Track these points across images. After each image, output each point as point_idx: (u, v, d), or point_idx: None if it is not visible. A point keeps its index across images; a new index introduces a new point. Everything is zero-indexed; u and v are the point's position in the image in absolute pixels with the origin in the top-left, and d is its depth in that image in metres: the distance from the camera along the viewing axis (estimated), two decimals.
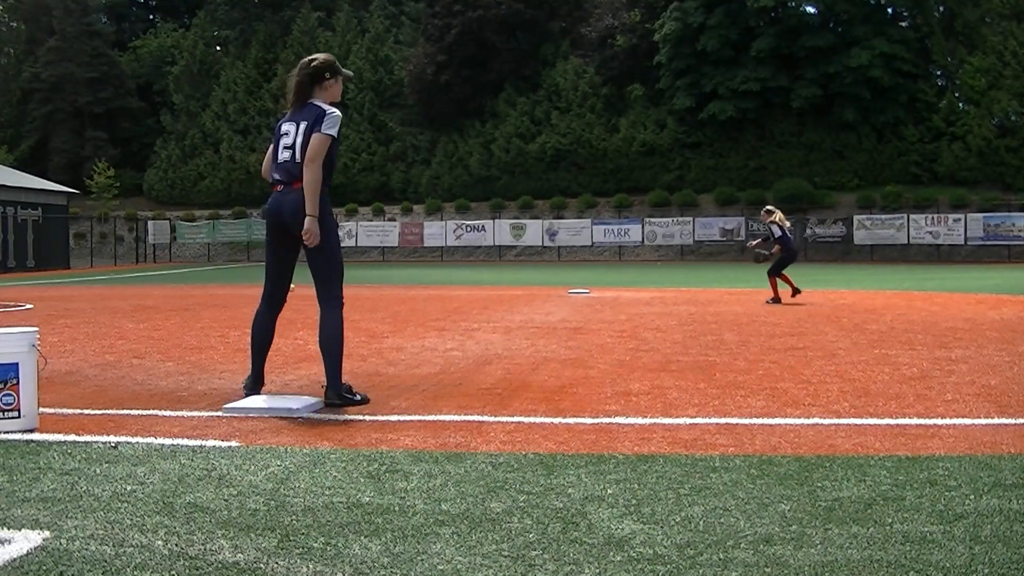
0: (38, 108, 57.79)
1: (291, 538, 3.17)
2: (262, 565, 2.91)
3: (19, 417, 4.91)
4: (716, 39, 45.06)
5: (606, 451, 4.45)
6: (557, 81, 49.85)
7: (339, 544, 3.11)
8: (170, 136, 56.31)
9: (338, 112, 5.62)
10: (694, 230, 43.86)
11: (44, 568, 2.87)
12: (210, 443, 4.66)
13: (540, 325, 10.94)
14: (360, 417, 5.33)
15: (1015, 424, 5.06)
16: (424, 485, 3.84)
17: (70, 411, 5.55)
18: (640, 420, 5.20)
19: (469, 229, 46.74)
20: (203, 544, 3.11)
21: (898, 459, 4.22)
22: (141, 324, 11.41)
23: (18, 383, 4.90)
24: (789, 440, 4.68)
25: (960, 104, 45.39)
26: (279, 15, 57.78)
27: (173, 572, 2.85)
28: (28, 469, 4.12)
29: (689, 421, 5.17)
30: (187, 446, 4.60)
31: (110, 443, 4.65)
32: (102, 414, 5.48)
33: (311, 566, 2.90)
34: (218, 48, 59.85)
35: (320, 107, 5.58)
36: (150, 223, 50.45)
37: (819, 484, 3.80)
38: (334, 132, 5.53)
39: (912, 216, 40.93)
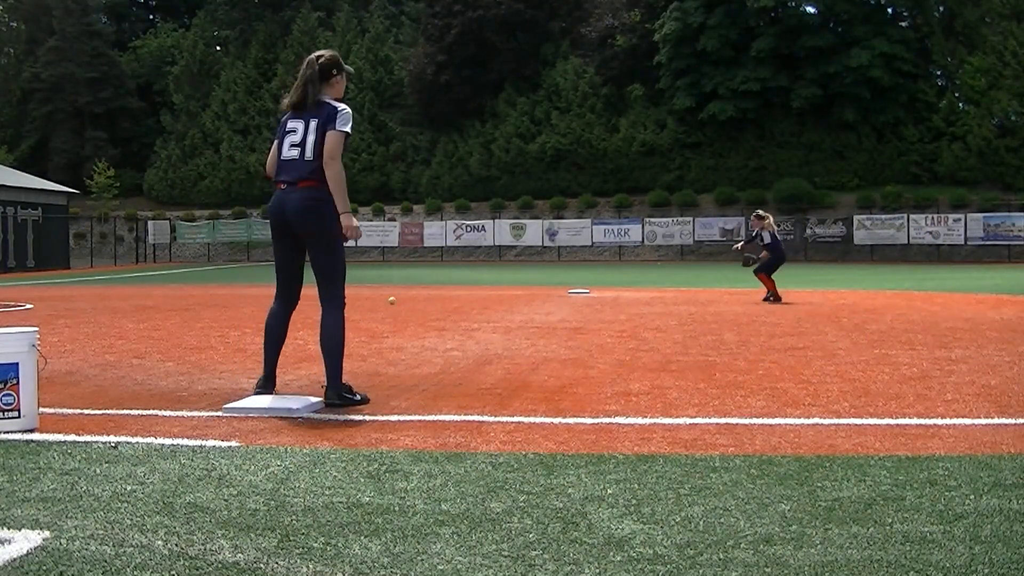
0: (38, 108, 57.79)
1: (291, 538, 3.17)
2: (262, 565, 2.91)
3: (19, 417, 4.91)
4: (716, 39, 45.07)
5: (606, 451, 4.45)
6: (557, 81, 49.86)
7: (339, 544, 3.11)
8: (170, 136, 56.32)
9: (349, 108, 5.61)
10: (694, 230, 43.87)
11: (44, 568, 2.87)
12: (210, 443, 4.66)
13: (540, 325, 10.94)
14: (360, 417, 5.33)
15: (1015, 424, 5.06)
16: (424, 485, 3.84)
17: (70, 411, 5.55)
18: (640, 420, 5.20)
19: (469, 229, 46.75)
20: (203, 544, 3.11)
21: (898, 459, 4.22)
22: (141, 324, 11.41)
23: (18, 383, 4.90)
24: (789, 440, 4.68)
25: (960, 104, 45.41)
26: (279, 15, 57.78)
27: (173, 572, 2.85)
28: (28, 469, 4.12)
29: (689, 421, 5.17)
30: (187, 446, 4.60)
31: (110, 443, 4.65)
32: (102, 414, 5.47)
33: (311, 566, 2.90)
34: (218, 48, 59.87)
35: (331, 104, 5.56)
36: (150, 223, 50.46)
37: (819, 484, 3.80)
38: (348, 128, 5.53)
39: (912, 216, 40.94)
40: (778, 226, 15.67)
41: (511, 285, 21.30)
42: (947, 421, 5.12)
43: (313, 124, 5.52)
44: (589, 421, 5.19)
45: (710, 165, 47.29)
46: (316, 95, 5.56)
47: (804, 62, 44.96)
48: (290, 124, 5.62)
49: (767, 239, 15.00)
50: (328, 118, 5.50)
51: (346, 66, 5.81)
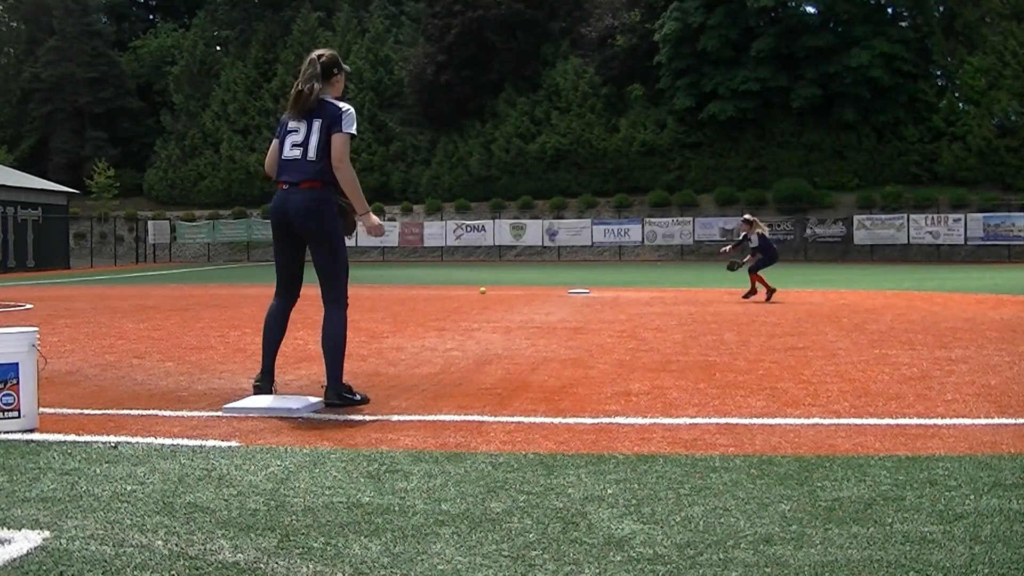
0: (38, 108, 57.81)
1: (291, 538, 3.17)
2: (262, 565, 2.91)
3: (19, 417, 4.91)
4: (716, 39, 45.08)
5: (606, 451, 4.45)
6: (557, 81, 49.87)
7: (339, 544, 3.11)
8: (170, 136, 56.34)
9: (352, 109, 5.61)
10: (694, 230, 43.87)
11: (44, 568, 2.87)
12: (210, 443, 4.66)
13: (540, 325, 10.94)
14: (360, 417, 5.33)
15: (1015, 424, 5.06)
16: (424, 485, 3.84)
17: (70, 411, 5.55)
18: (640, 420, 5.20)
19: (469, 229, 46.76)
20: (203, 544, 3.11)
21: (898, 459, 4.22)
22: (141, 324, 11.41)
23: (18, 383, 4.90)
24: (789, 440, 4.68)
25: (960, 104, 45.42)
26: (279, 15, 57.79)
27: (173, 572, 2.85)
28: (28, 469, 4.12)
29: (689, 421, 5.17)
30: (187, 446, 4.60)
31: (110, 443, 4.65)
32: (102, 414, 5.47)
33: (311, 566, 2.90)
34: (218, 48, 59.87)
35: (335, 105, 5.54)
36: (150, 223, 50.47)
37: (819, 484, 3.80)
38: (354, 130, 5.53)
39: (912, 216, 40.94)
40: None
41: (511, 285, 21.30)
42: (947, 421, 5.12)
43: (316, 125, 5.50)
44: (589, 421, 5.19)
45: (710, 165, 47.30)
46: (319, 94, 5.56)
47: (804, 62, 44.97)
48: (291, 124, 5.60)
49: (755, 242, 15.09)
50: (333, 120, 5.48)
51: (344, 66, 5.81)
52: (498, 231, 46.29)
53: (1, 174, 38.61)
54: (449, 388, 6.35)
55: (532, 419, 5.25)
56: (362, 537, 3.18)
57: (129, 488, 3.81)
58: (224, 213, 51.54)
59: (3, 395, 4.87)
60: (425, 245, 47.29)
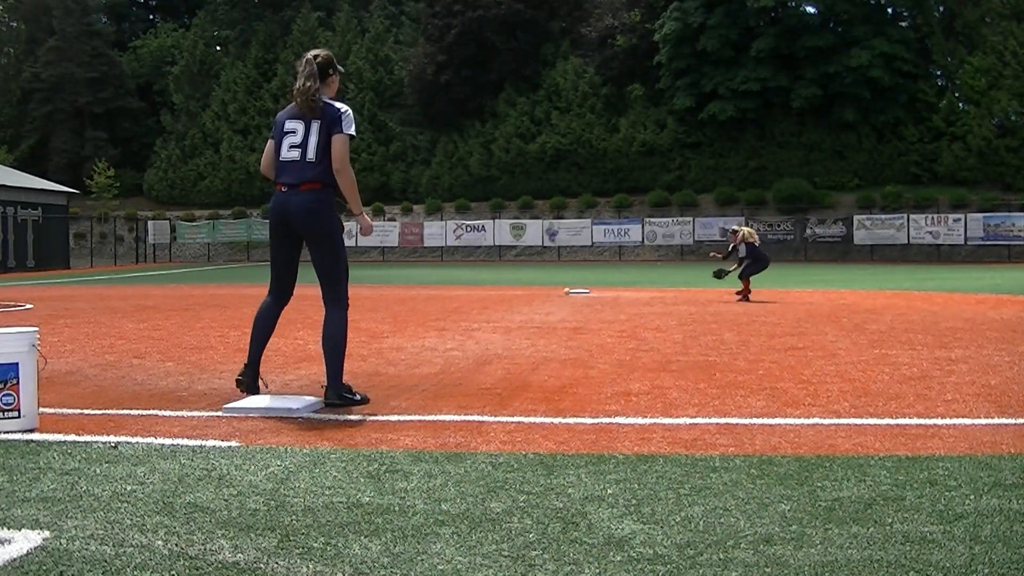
0: (38, 108, 57.82)
1: (291, 538, 3.17)
2: (262, 565, 2.91)
3: (19, 417, 4.91)
4: (716, 39, 45.09)
5: (606, 451, 4.45)
6: (557, 81, 49.88)
7: (339, 544, 3.11)
8: (170, 136, 56.34)
9: (350, 109, 5.60)
10: (694, 230, 43.87)
11: (44, 568, 2.87)
12: (210, 443, 4.66)
13: (540, 325, 10.94)
14: (360, 417, 5.33)
15: (1015, 424, 5.06)
16: (424, 485, 3.84)
17: (70, 411, 5.55)
18: (640, 420, 5.20)
19: (469, 229, 46.76)
20: (203, 544, 3.11)
21: (898, 459, 4.22)
22: (141, 324, 11.41)
23: (18, 383, 4.90)
24: (789, 440, 4.68)
25: (960, 104, 45.43)
26: (279, 15, 57.80)
27: (173, 572, 2.85)
28: (28, 469, 4.12)
29: (689, 421, 5.17)
30: (187, 446, 4.60)
31: (110, 443, 4.64)
32: (102, 414, 5.47)
33: (311, 566, 2.90)
34: (218, 48, 59.88)
35: (333, 106, 5.53)
36: (150, 223, 50.48)
37: (819, 484, 3.80)
38: (353, 131, 5.53)
39: (912, 216, 40.95)
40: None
41: (511, 285, 21.30)
42: (947, 421, 5.12)
43: (315, 126, 5.49)
44: (589, 421, 5.19)
45: (710, 165, 47.30)
46: (318, 93, 5.56)
47: (804, 62, 44.98)
48: (289, 124, 5.58)
49: (743, 251, 15.17)
50: (332, 121, 5.48)
51: (339, 67, 5.79)
52: (498, 231, 46.30)
53: (1, 174, 38.61)
54: (449, 388, 6.35)
55: (532, 419, 5.25)
56: (362, 537, 3.18)
57: (129, 488, 3.81)
58: (224, 213, 51.55)
59: (3, 395, 4.87)
60: (425, 245, 47.30)
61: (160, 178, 55.47)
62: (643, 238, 44.49)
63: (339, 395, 5.58)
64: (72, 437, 4.77)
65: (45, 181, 42.53)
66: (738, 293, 15.08)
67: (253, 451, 4.50)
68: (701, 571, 2.85)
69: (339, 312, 5.64)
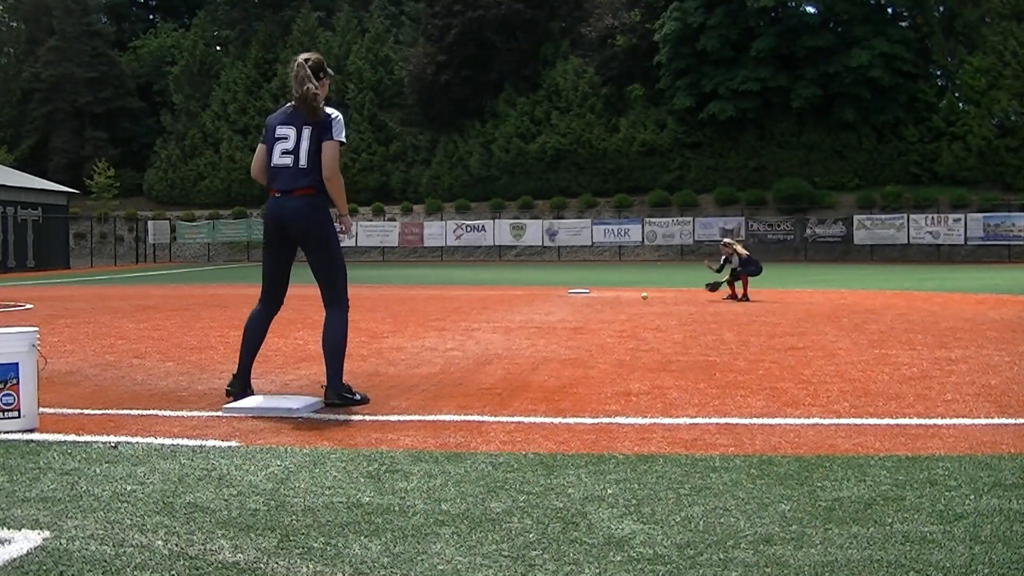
0: (38, 108, 57.81)
1: (291, 538, 3.17)
2: (262, 565, 2.91)
3: (19, 417, 4.91)
4: (716, 39, 45.08)
5: (606, 451, 4.45)
6: (557, 81, 49.88)
7: (339, 544, 3.11)
8: (170, 136, 56.34)
9: (341, 115, 5.60)
10: (694, 230, 43.87)
11: (44, 568, 2.87)
12: (210, 443, 4.66)
13: (540, 325, 10.94)
14: (360, 417, 5.33)
15: (1015, 424, 5.06)
16: (424, 485, 3.84)
17: (70, 411, 5.55)
18: (640, 420, 5.20)
19: (469, 229, 46.76)
20: (203, 544, 3.11)
21: (898, 459, 4.22)
22: (141, 324, 11.41)
23: (18, 383, 4.90)
24: (789, 440, 4.68)
25: (960, 104, 45.43)
26: (279, 15, 57.80)
27: (173, 572, 2.85)
28: (28, 469, 4.12)
29: (689, 421, 5.17)
30: (187, 446, 4.60)
31: (110, 443, 4.65)
32: (102, 414, 5.47)
33: (311, 566, 2.90)
34: (218, 48, 59.87)
35: (324, 111, 5.52)
36: (150, 223, 50.48)
37: (819, 484, 3.80)
38: (343, 137, 5.53)
39: (912, 216, 40.95)
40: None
41: (511, 285, 21.30)
42: (947, 421, 5.12)
43: (307, 132, 5.48)
44: (589, 421, 5.19)
45: (710, 165, 47.30)
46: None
47: (804, 62, 44.97)
48: (280, 130, 5.55)
49: (736, 263, 15.21)
50: (324, 127, 5.47)
51: (328, 70, 5.77)
52: (498, 231, 46.29)
53: (1, 174, 38.62)
54: (449, 388, 6.35)
55: (532, 419, 5.25)
56: (362, 537, 3.18)
57: (129, 488, 3.81)
58: (224, 213, 51.55)
59: (3, 395, 4.87)
60: (425, 245, 47.30)
61: (160, 178, 55.48)
62: (643, 238, 44.49)
63: (339, 395, 5.58)
64: (72, 437, 4.78)
65: (45, 181, 42.53)
66: (730, 296, 15.07)
67: (253, 451, 4.50)
68: (701, 571, 2.85)
69: (339, 313, 5.64)
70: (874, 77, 43.31)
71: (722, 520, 3.35)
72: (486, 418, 5.27)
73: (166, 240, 50.38)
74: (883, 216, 41.74)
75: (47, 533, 3.19)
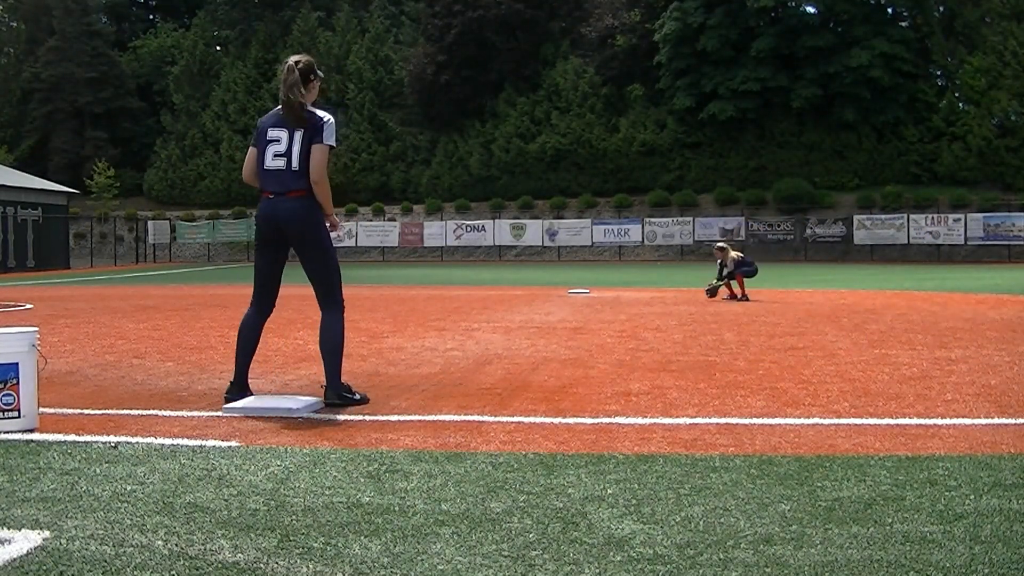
0: (38, 108, 57.81)
1: (291, 538, 3.17)
2: (262, 565, 2.91)
3: (19, 417, 4.91)
4: (716, 39, 45.08)
5: (606, 451, 4.45)
6: (557, 81, 49.87)
7: (339, 544, 3.11)
8: (170, 136, 56.34)
9: (332, 118, 5.59)
10: (694, 230, 43.86)
11: (44, 568, 2.87)
12: (210, 443, 4.66)
13: (540, 325, 10.94)
14: (360, 417, 5.33)
15: (1015, 424, 5.06)
16: (424, 485, 3.84)
17: (70, 411, 5.55)
18: (640, 420, 5.20)
19: (469, 229, 46.75)
20: (203, 544, 3.11)
21: (898, 459, 4.22)
22: (141, 324, 11.41)
23: (18, 383, 4.90)
24: (789, 440, 4.68)
25: (960, 104, 45.42)
26: (279, 15, 57.80)
27: (173, 572, 2.85)
28: (28, 469, 4.12)
29: (689, 421, 5.17)
30: (187, 446, 4.60)
31: (110, 443, 4.65)
32: (102, 414, 5.47)
33: (311, 566, 2.90)
34: (218, 48, 59.87)
35: (316, 115, 5.51)
36: (150, 223, 50.48)
37: (819, 484, 3.80)
38: (334, 141, 5.52)
39: (912, 216, 40.94)
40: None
41: (511, 285, 21.30)
42: (947, 421, 5.12)
43: (298, 135, 5.47)
44: (589, 421, 5.19)
45: (710, 165, 47.30)
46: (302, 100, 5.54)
47: (804, 62, 44.97)
48: (272, 132, 5.54)
49: (731, 267, 15.23)
50: (315, 130, 5.47)
51: (319, 71, 5.77)
52: (498, 231, 46.29)
53: (1, 174, 38.62)
54: (449, 388, 6.35)
55: (532, 419, 5.25)
56: (362, 537, 3.18)
57: (129, 488, 3.81)
58: (224, 213, 51.55)
59: (3, 395, 4.87)
60: (425, 245, 47.29)
61: (160, 178, 55.48)
62: (643, 238, 44.49)
63: (339, 395, 5.58)
64: (72, 437, 4.78)
65: (45, 181, 42.53)
66: (730, 296, 15.10)
67: (253, 451, 4.50)
68: (701, 571, 2.85)
69: (336, 314, 5.64)
70: (874, 77, 43.31)
71: (722, 520, 3.35)
72: (486, 418, 5.27)
73: (166, 240, 50.38)
74: (883, 216, 41.73)
75: (47, 533, 3.19)
